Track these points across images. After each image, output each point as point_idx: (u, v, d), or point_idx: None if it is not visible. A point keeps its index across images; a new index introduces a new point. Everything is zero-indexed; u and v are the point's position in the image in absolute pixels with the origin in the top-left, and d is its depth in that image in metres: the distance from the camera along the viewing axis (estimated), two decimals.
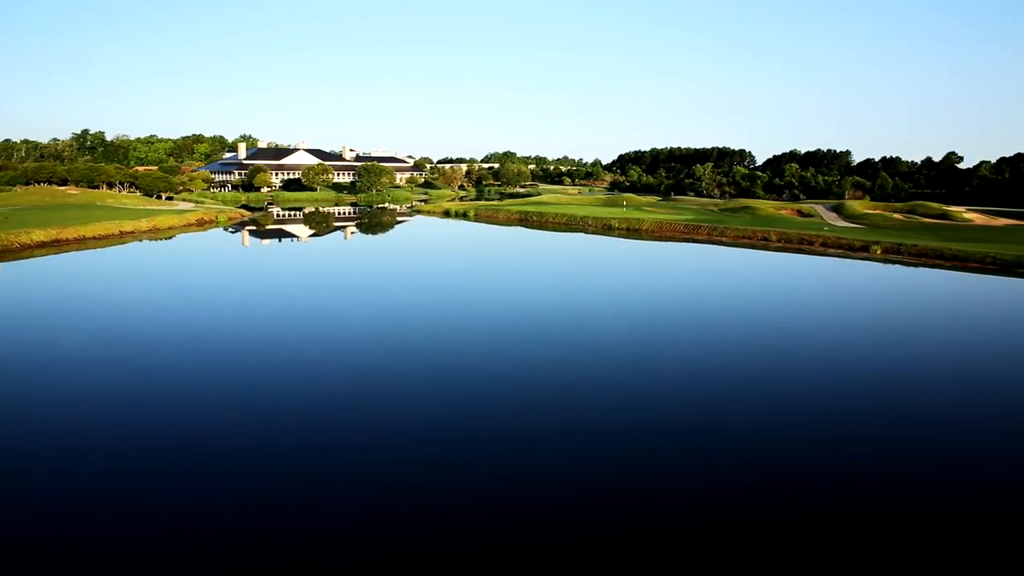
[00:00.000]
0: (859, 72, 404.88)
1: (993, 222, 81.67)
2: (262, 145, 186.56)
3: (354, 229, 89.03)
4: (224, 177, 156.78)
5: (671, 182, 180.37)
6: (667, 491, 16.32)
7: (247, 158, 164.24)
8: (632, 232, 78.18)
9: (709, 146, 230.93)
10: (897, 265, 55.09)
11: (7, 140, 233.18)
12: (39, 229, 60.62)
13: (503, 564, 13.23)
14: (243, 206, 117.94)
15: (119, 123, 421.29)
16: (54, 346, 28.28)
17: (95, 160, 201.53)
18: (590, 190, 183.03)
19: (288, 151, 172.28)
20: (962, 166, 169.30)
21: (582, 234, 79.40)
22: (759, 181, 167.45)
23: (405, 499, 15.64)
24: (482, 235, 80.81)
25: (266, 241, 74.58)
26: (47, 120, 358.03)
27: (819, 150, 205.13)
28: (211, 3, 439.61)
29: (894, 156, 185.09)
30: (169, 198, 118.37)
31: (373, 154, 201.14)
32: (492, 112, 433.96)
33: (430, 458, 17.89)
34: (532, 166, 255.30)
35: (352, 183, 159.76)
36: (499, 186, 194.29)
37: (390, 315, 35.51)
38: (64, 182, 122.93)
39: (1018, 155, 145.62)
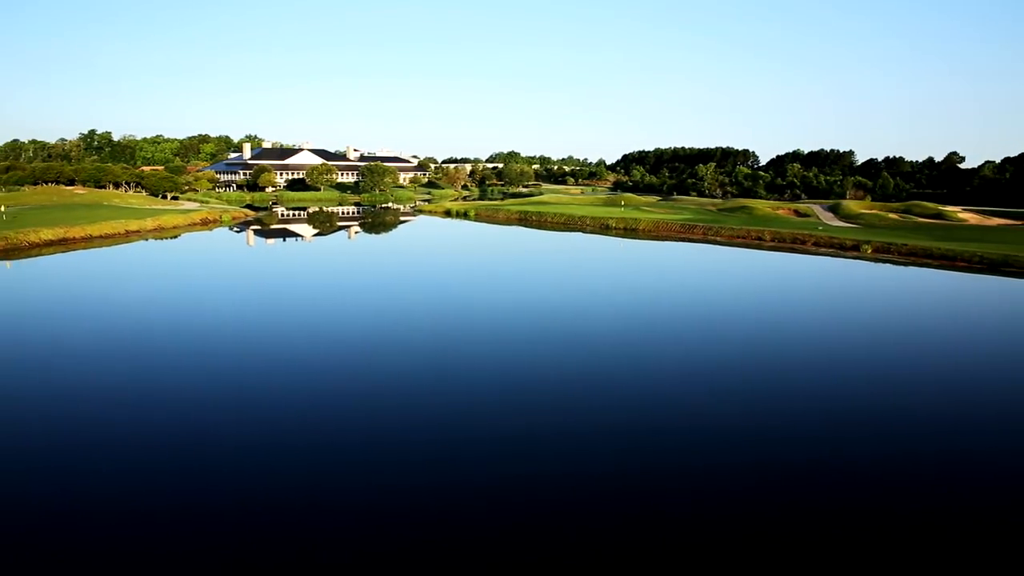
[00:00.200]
0: (863, 72, 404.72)
1: (987, 222, 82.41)
2: (267, 145, 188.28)
3: (357, 228, 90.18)
4: (229, 177, 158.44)
5: (673, 182, 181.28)
6: (667, 491, 16.44)
7: (252, 158, 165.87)
8: (629, 232, 79.21)
9: (713, 146, 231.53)
10: (886, 264, 55.95)
11: (15, 140, 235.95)
12: (47, 228, 62.04)
13: (503, 564, 13.31)
14: (247, 206, 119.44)
15: (126, 123, 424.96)
16: (58, 344, 28.77)
17: (102, 160, 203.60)
18: (593, 190, 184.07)
19: (292, 151, 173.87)
20: (965, 166, 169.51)
21: (580, 234, 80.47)
22: (761, 181, 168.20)
23: (405, 498, 15.74)
24: (480, 235, 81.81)
25: (270, 240, 75.81)
26: (54, 120, 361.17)
27: (822, 150, 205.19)
28: (217, 3, 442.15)
29: (897, 156, 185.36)
30: (175, 198, 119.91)
31: (377, 154, 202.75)
32: (497, 112, 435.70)
33: (430, 457, 18.03)
34: (536, 166, 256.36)
35: (356, 183, 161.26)
36: (502, 186, 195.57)
37: (390, 314, 35.92)
38: (71, 182, 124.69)
39: (1022, 155, 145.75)
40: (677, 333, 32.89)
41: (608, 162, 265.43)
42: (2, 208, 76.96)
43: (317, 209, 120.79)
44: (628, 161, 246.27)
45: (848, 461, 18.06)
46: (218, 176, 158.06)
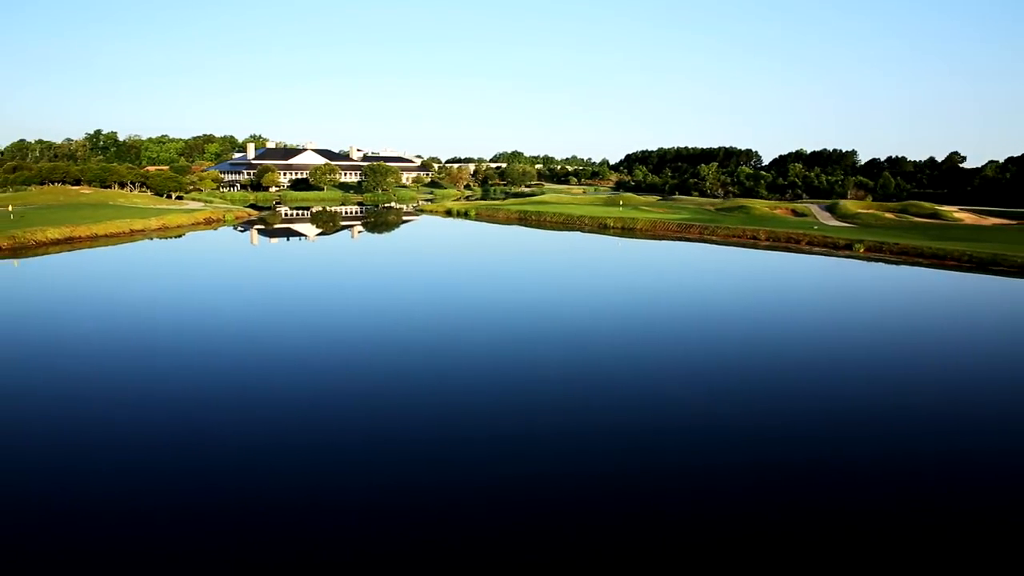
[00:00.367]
0: (867, 73, 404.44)
1: (982, 221, 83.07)
2: (271, 145, 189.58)
3: (359, 228, 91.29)
4: (233, 177, 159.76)
5: (675, 182, 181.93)
6: (667, 491, 16.53)
7: (256, 158, 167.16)
8: (627, 231, 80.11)
9: (716, 146, 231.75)
10: (878, 263, 56.76)
11: (22, 140, 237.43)
12: (53, 227, 63.25)
13: (503, 564, 13.40)
14: (251, 205, 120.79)
15: (131, 123, 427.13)
16: (62, 342, 29.26)
17: (108, 160, 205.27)
18: (595, 190, 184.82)
19: (296, 151, 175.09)
20: (968, 166, 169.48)
21: (578, 233, 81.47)
22: (763, 181, 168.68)
23: (406, 498, 15.81)
24: (479, 234, 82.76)
25: (272, 239, 76.93)
26: (60, 120, 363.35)
27: (825, 150, 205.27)
28: (223, 3, 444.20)
29: (900, 156, 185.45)
30: (179, 197, 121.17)
31: (381, 154, 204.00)
32: (501, 112, 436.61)
33: (431, 457, 18.14)
34: (539, 166, 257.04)
35: (359, 183, 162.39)
36: (505, 186, 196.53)
37: (389, 313, 36.47)
38: (77, 182, 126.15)
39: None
40: (671, 331, 33.52)
41: (612, 162, 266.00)
42: (10, 208, 78.29)
43: (320, 209, 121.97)
44: (631, 161, 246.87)
45: (844, 459, 18.24)
46: (222, 176, 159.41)
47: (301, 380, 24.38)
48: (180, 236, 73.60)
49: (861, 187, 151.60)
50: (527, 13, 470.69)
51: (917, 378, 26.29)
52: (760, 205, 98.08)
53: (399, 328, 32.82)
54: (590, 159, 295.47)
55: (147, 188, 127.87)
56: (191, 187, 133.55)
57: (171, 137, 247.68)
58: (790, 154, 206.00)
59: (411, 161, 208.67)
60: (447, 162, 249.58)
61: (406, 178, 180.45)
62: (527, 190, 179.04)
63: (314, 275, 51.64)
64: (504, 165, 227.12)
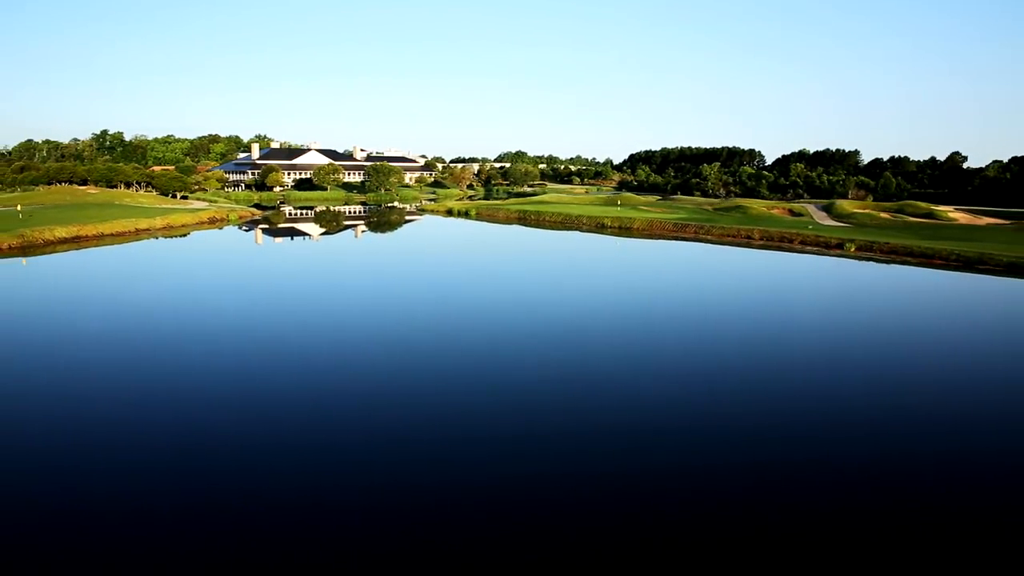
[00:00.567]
0: (871, 73, 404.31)
1: (976, 221, 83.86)
2: (275, 145, 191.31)
3: (361, 227, 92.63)
4: (238, 177, 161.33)
5: (678, 181, 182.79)
6: (667, 491, 16.61)
7: (260, 158, 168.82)
8: (624, 230, 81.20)
9: (719, 146, 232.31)
10: (867, 262, 57.75)
11: (29, 140, 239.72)
12: (60, 227, 64.73)
13: (504, 564, 13.48)
14: (255, 205, 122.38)
15: (137, 123, 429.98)
16: (67, 340, 29.72)
17: (114, 160, 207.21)
18: (598, 189, 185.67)
19: (300, 151, 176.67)
20: (971, 166, 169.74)
21: (576, 232, 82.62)
22: (764, 181, 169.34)
23: (407, 498, 15.90)
24: (478, 233, 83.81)
25: (275, 239, 78.21)
26: (67, 121, 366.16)
27: (827, 150, 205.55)
28: (230, 3, 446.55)
29: (902, 156, 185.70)
30: (184, 197, 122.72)
31: (385, 154, 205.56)
32: (506, 112, 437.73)
33: (431, 457, 18.25)
34: (543, 166, 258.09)
35: (362, 183, 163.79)
36: (507, 185, 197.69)
37: (389, 312, 36.84)
38: (84, 182, 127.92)
39: None
40: (664, 328, 34.23)
41: (615, 162, 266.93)
42: (18, 207, 79.86)
43: (324, 208, 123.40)
44: (635, 161, 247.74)
45: (843, 458, 18.43)
46: (227, 176, 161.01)
47: (302, 379, 24.62)
48: (185, 235, 75.02)
49: (862, 187, 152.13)
50: (533, 13, 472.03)
51: (899, 374, 26.76)
52: (757, 205, 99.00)
53: (398, 327, 33.19)
54: (594, 159, 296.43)
55: (152, 188, 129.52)
56: (196, 187, 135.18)
57: (177, 137, 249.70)
58: (793, 154, 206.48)
59: (414, 161, 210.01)
60: (451, 162, 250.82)
61: (409, 178, 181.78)
62: (529, 190, 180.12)
63: (315, 274, 52.66)
64: (508, 165, 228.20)
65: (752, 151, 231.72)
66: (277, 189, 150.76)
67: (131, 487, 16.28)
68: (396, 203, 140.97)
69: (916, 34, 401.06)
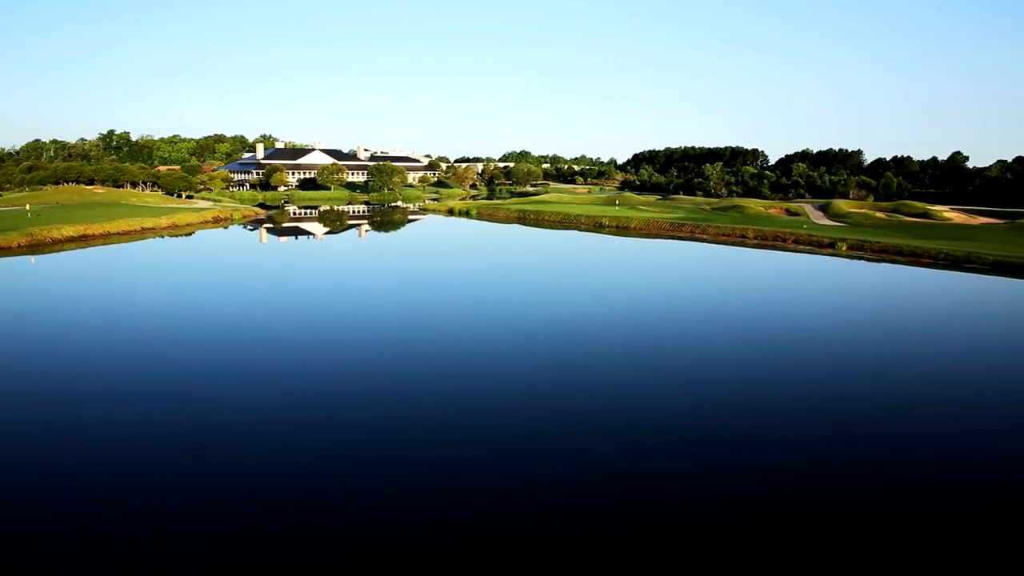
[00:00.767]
0: (875, 73, 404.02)
1: (971, 221, 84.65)
2: (280, 145, 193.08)
3: (363, 226, 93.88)
4: (243, 176, 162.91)
5: (680, 181, 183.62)
6: (667, 491, 16.68)
7: (265, 158, 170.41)
8: (621, 229, 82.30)
9: (723, 146, 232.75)
10: (857, 261, 58.76)
11: (37, 140, 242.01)
12: (68, 226, 66.21)
13: (504, 563, 13.53)
14: (260, 204, 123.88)
15: (144, 123, 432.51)
16: (68, 338, 30.16)
17: (120, 160, 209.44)
18: (601, 189, 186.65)
19: (304, 151, 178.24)
20: (977, 165, 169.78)
21: (575, 232, 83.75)
22: (766, 180, 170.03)
23: (407, 498, 15.95)
24: (477, 233, 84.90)
25: (278, 238, 79.46)
26: (75, 120, 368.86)
27: (830, 149, 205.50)
28: (236, 3, 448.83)
29: (905, 156, 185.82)
30: (189, 197, 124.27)
31: (390, 153, 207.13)
32: (511, 112, 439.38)
33: (431, 457, 18.32)
34: (546, 165, 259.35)
35: (365, 183, 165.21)
36: (510, 185, 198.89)
37: (388, 312, 37.00)
38: (91, 181, 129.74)
39: None
40: (658, 326, 34.91)
41: (620, 162, 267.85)
42: (27, 207, 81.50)
43: (328, 208, 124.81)
44: (638, 161, 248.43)
45: (841, 458, 18.59)
46: (232, 175, 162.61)
47: (302, 378, 24.79)
48: (189, 235, 76.37)
49: (863, 187, 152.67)
50: (539, 12, 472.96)
51: (888, 371, 27.42)
52: (754, 205, 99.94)
53: (397, 326, 33.51)
54: (598, 159, 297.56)
55: (158, 187, 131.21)
56: (201, 187, 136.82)
57: (183, 137, 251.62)
58: (796, 154, 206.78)
59: (418, 161, 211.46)
60: (456, 161, 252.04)
61: (412, 178, 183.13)
62: (532, 189, 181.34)
63: (316, 273, 53.65)
64: (512, 165, 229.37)
65: (755, 151, 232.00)
66: (281, 189, 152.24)
67: (132, 486, 16.39)
68: (399, 203, 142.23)
69: (920, 34, 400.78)
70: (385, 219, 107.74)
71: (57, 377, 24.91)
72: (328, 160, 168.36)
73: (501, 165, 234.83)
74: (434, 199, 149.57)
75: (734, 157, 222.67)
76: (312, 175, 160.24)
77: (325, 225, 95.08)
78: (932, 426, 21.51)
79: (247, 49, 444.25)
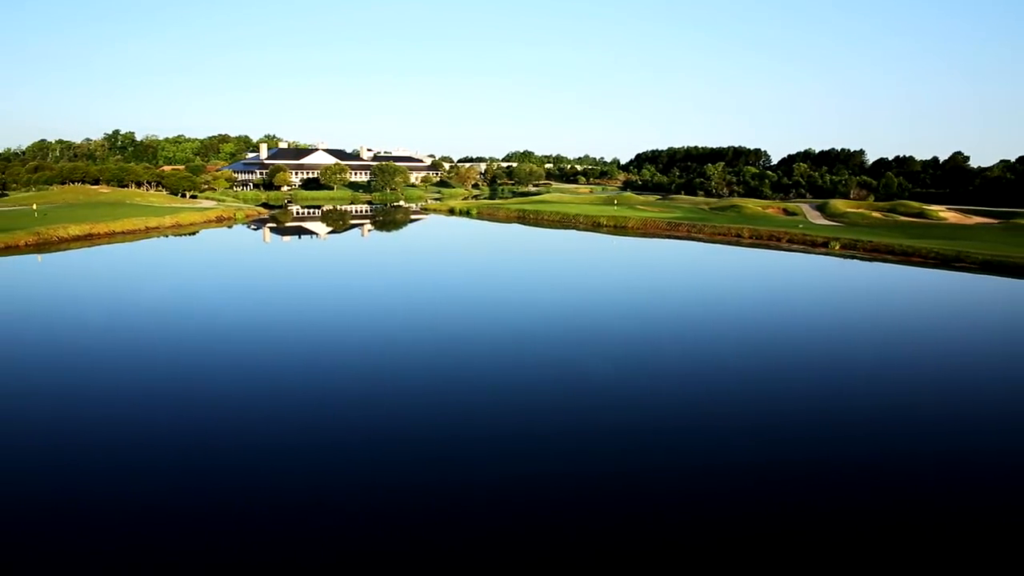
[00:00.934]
0: (879, 73, 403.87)
1: (966, 221, 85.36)
2: (283, 145, 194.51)
3: (365, 225, 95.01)
4: (246, 176, 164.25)
5: (682, 181, 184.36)
6: (667, 491, 16.79)
7: (268, 158, 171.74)
8: (618, 229, 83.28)
9: (725, 145, 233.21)
10: (849, 260, 59.64)
11: (43, 140, 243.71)
12: (74, 225, 67.44)
13: (504, 563, 13.60)
14: (263, 204, 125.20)
15: (149, 123, 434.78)
16: (72, 336, 30.63)
17: (125, 160, 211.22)
18: (603, 189, 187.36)
19: (308, 151, 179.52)
20: (981, 164, 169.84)
21: (573, 231, 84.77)
22: (767, 180, 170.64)
23: (407, 498, 16.02)
24: (476, 233, 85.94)
25: (281, 237, 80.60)
26: (80, 120, 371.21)
27: (833, 149, 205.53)
28: (244, 5, 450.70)
29: (907, 156, 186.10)
30: (193, 196, 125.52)
31: (393, 153, 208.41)
32: (515, 112, 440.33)
33: (431, 457, 18.38)
34: (549, 165, 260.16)
35: (368, 182, 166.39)
36: (513, 185, 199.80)
37: (388, 312, 37.27)
38: (96, 181, 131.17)
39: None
40: (650, 324, 35.50)
41: (622, 161, 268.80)
42: (34, 206, 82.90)
43: (331, 208, 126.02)
44: (641, 160, 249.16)
45: (839, 457, 18.74)
46: (236, 175, 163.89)
47: (303, 377, 24.96)
48: (193, 234, 77.55)
49: (864, 187, 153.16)
50: (543, 12, 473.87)
51: (877, 368, 27.94)
52: (752, 204, 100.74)
53: (397, 326, 33.78)
54: (602, 158, 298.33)
55: (163, 187, 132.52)
56: (205, 186, 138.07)
57: (187, 137, 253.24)
58: (798, 153, 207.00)
59: (421, 161, 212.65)
60: (459, 161, 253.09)
61: (415, 177, 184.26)
62: (534, 189, 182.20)
63: (317, 272, 54.58)
64: (515, 164, 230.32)
65: (758, 151, 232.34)
66: (284, 188, 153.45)
67: (133, 485, 16.52)
68: (401, 202, 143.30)
69: (924, 34, 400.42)
70: (387, 219, 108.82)
71: (60, 375, 25.28)
72: (331, 160, 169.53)
73: (504, 165, 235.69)
74: (436, 199, 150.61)
75: (737, 157, 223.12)
76: (315, 175, 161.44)
77: (327, 225, 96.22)
78: (929, 424, 21.70)
79: (252, 49, 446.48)
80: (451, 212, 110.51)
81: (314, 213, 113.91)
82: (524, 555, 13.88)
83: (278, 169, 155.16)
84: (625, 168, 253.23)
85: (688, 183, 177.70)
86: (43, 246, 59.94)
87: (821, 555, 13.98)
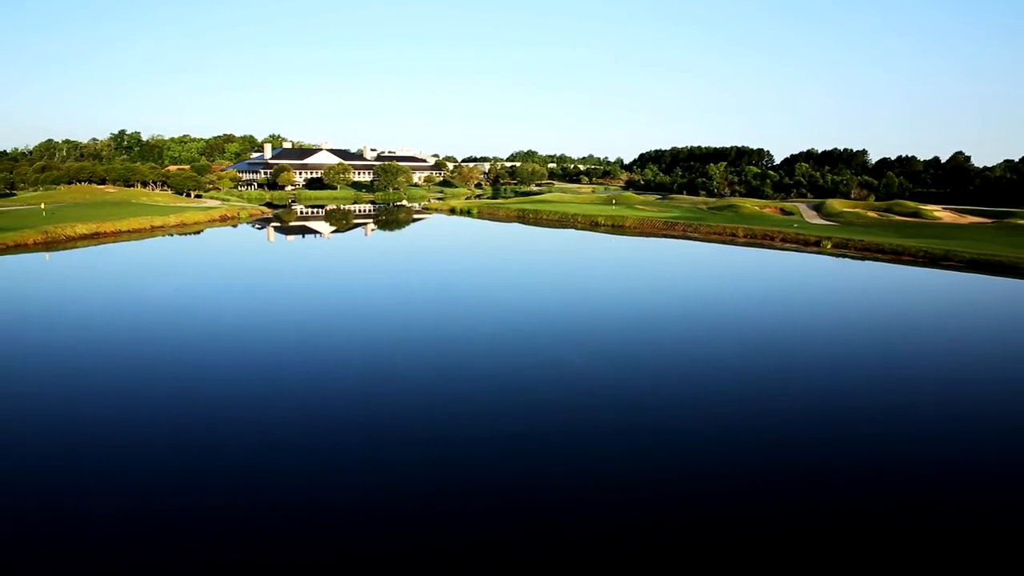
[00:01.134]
0: (881, 73, 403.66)
1: (960, 220, 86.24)
2: (287, 145, 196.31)
3: (367, 224, 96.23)
4: (251, 176, 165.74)
5: (684, 181, 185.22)
6: (667, 491, 16.84)
7: (272, 158, 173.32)
8: (616, 228, 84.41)
9: (728, 145, 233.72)
10: (840, 258, 60.68)
11: (49, 140, 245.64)
12: (81, 224, 68.95)
13: (505, 563, 13.63)
14: (267, 204, 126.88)
15: (155, 123, 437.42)
16: (75, 335, 30.95)
17: (131, 159, 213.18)
18: (605, 189, 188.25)
19: (311, 151, 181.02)
20: (986, 164, 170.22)
21: (571, 230, 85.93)
22: (769, 180, 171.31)
23: (408, 498, 16.07)
24: (476, 232, 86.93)
25: (284, 236, 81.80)
26: (86, 120, 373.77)
27: (835, 149, 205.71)
28: (247, 4, 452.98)
29: (910, 156, 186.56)
30: (198, 196, 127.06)
31: (397, 153, 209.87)
32: (519, 112, 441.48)
33: (432, 456, 18.45)
34: (553, 165, 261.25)
35: (371, 182, 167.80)
36: (515, 184, 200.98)
37: (387, 311, 37.54)
38: (102, 181, 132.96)
39: None
40: (647, 323, 35.87)
41: (626, 161, 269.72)
42: (42, 205, 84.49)
43: (334, 207, 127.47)
44: (645, 160, 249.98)
45: (838, 457, 18.87)
46: (240, 175, 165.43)
47: (303, 377, 25.08)
48: (198, 232, 78.96)
49: (865, 186, 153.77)
50: (548, 11, 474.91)
51: (867, 367, 28.23)
52: (750, 204, 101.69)
53: (397, 325, 34.05)
54: (606, 158, 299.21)
55: (168, 187, 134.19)
56: (210, 186, 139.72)
57: (193, 137, 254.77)
58: (801, 153, 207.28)
59: (424, 161, 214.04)
60: (463, 161, 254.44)
61: (418, 177, 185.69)
62: (536, 189, 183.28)
63: (319, 271, 55.60)
64: (518, 164, 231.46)
65: (761, 151, 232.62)
66: (288, 188, 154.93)
67: (133, 484, 16.60)
68: (404, 202, 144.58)
69: (927, 35, 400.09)
70: (389, 218, 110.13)
71: (63, 373, 25.63)
72: (335, 160, 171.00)
73: (508, 165, 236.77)
74: (439, 198, 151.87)
75: (740, 157, 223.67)
76: (319, 175, 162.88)
77: (330, 224, 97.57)
78: (927, 424, 21.87)
79: (257, 48, 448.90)
80: (452, 212, 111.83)
81: (317, 212, 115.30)
82: (524, 555, 13.94)
83: (282, 169, 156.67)
84: (628, 168, 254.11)
85: (690, 183, 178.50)
86: (51, 244, 61.40)
87: (821, 555, 14.05)
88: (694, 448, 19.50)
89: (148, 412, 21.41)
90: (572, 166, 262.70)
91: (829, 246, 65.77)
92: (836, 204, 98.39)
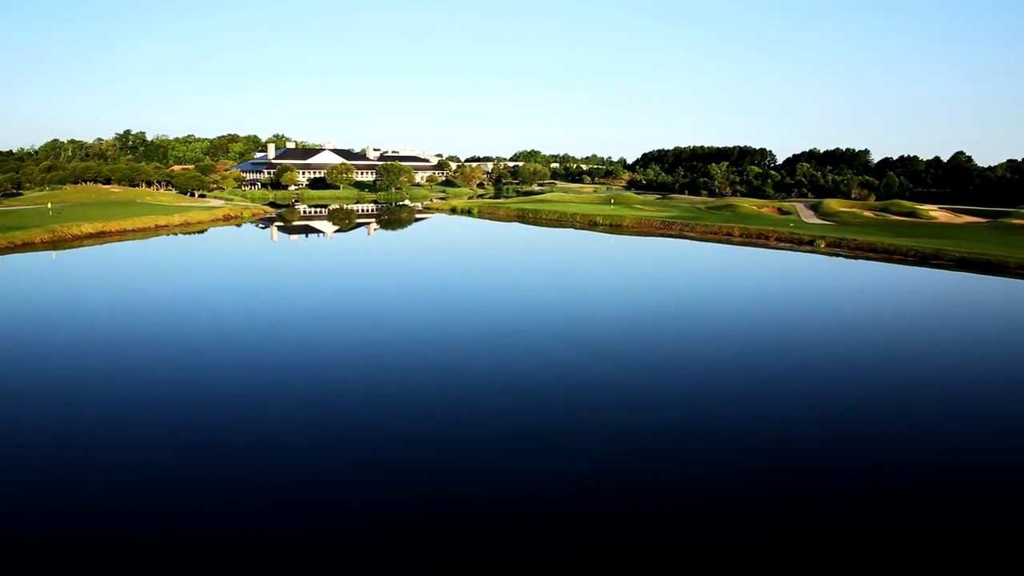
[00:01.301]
0: (883, 73, 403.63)
1: (955, 220, 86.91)
2: (291, 145, 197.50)
3: (370, 224, 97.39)
4: (254, 176, 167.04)
5: (686, 181, 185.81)
6: (667, 491, 16.89)
7: (276, 158, 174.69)
8: (614, 228, 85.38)
9: (731, 145, 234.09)
10: (832, 257, 61.56)
11: (55, 140, 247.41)
12: (87, 223, 70.26)
13: (505, 563, 13.63)
14: (270, 203, 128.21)
15: (159, 123, 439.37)
16: (78, 334, 31.35)
17: (136, 159, 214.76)
18: (607, 188, 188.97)
19: (314, 151, 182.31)
20: (989, 163, 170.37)
21: (570, 229, 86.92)
22: (770, 180, 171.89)
23: (408, 498, 16.11)
24: (476, 232, 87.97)
25: (287, 235, 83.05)
26: (92, 120, 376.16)
27: (837, 149, 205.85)
28: (252, 3, 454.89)
29: (911, 155, 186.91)
30: (202, 196, 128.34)
31: (400, 153, 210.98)
32: (523, 112, 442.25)
33: (432, 456, 18.49)
34: (555, 165, 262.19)
35: (374, 182, 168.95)
36: (517, 184, 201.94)
37: (388, 311, 37.75)
38: (107, 181, 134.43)
39: None
40: (643, 322, 36.41)
41: (629, 161, 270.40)
42: (48, 205, 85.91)
43: (337, 207, 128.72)
44: (647, 160, 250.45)
45: (836, 457, 18.94)
46: (244, 175, 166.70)
47: (303, 376, 25.16)
48: (201, 232, 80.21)
49: (866, 186, 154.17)
50: (551, 11, 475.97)
51: (860, 366, 28.47)
52: (748, 204, 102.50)
53: (397, 325, 34.20)
54: (608, 158, 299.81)
55: (172, 187, 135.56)
56: (214, 186, 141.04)
57: (197, 137, 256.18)
58: (803, 153, 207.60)
59: (427, 160, 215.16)
60: (466, 161, 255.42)
61: (420, 177, 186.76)
62: (538, 189, 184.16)
63: (321, 270, 56.64)
64: (521, 164, 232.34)
65: (763, 150, 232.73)
66: (292, 188, 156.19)
67: (134, 483, 16.67)
68: (406, 202, 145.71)
69: (928, 35, 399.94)
70: (391, 217, 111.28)
71: (66, 371, 25.91)
72: (337, 160, 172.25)
73: (511, 165, 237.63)
74: (441, 198, 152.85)
75: (742, 157, 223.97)
76: (322, 175, 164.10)
77: (333, 223, 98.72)
78: (925, 423, 21.93)
79: (261, 48, 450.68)
80: (453, 211, 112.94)
81: (320, 212, 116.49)
82: (524, 555, 13.97)
83: (285, 169, 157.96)
84: (631, 168, 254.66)
85: (692, 183, 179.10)
86: (58, 243, 62.66)
87: (821, 555, 14.07)
88: (693, 448, 19.60)
89: (150, 410, 21.64)
90: (575, 166, 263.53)
91: (823, 245, 66.65)
92: (833, 204, 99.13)
